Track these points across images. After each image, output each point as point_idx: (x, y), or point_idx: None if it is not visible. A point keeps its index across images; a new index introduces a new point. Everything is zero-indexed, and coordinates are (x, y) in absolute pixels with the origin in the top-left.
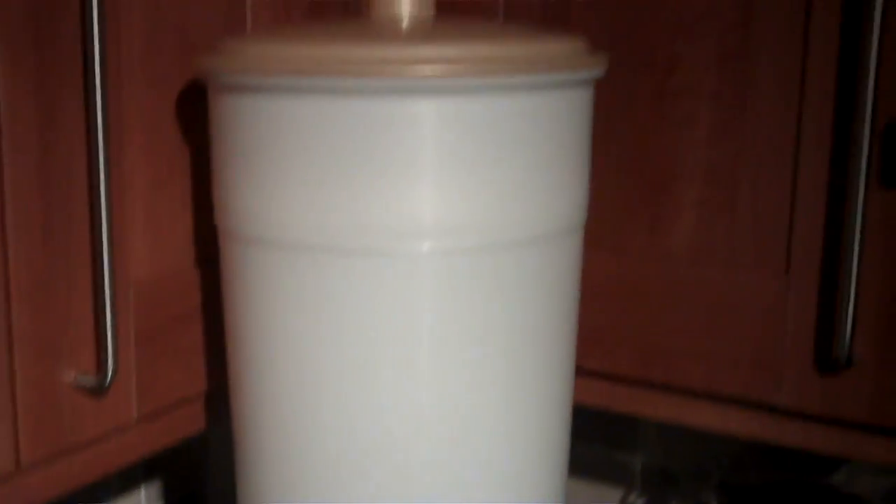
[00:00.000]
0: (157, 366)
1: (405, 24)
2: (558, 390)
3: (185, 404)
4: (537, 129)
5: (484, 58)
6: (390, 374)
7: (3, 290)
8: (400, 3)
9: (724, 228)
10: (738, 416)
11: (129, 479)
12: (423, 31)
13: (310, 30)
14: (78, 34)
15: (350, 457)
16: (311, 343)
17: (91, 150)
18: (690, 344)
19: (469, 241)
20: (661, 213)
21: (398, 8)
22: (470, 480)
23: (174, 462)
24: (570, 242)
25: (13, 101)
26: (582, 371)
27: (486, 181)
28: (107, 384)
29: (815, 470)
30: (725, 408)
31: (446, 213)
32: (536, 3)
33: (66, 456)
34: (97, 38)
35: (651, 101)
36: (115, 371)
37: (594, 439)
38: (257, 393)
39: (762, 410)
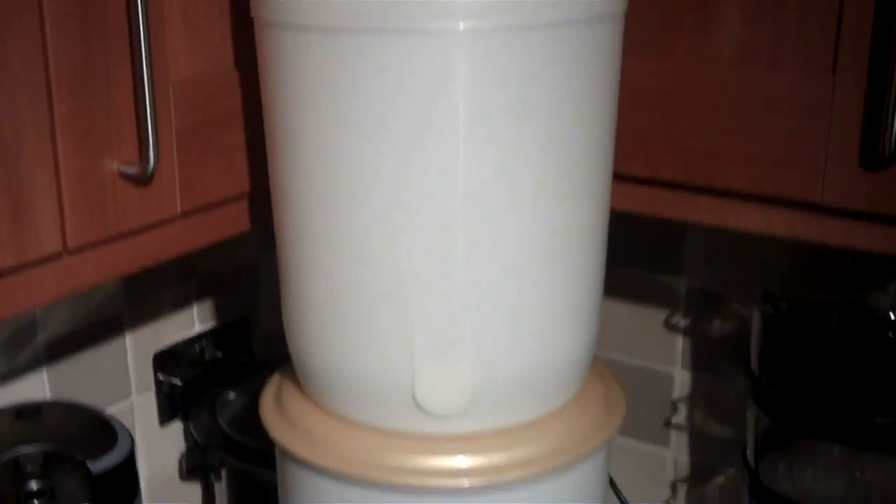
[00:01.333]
0: (200, 163)
1: None
2: (594, 185)
3: (228, 203)
4: None
5: None
6: (426, 155)
7: (44, 78)
8: None
9: (771, 28)
10: (782, 217)
11: (181, 298)
12: None
13: None
14: None
15: (391, 247)
16: (349, 127)
17: None
18: (734, 145)
19: (504, 19)
20: (705, 14)
21: None
22: (499, 266)
23: (226, 284)
24: (609, 30)
25: None
26: (625, 177)
27: None
28: (149, 174)
29: (861, 290)
30: (768, 209)
31: None
32: None
33: (112, 242)
34: None
35: None
36: (156, 161)
37: (640, 263)
38: (296, 187)
39: (805, 210)
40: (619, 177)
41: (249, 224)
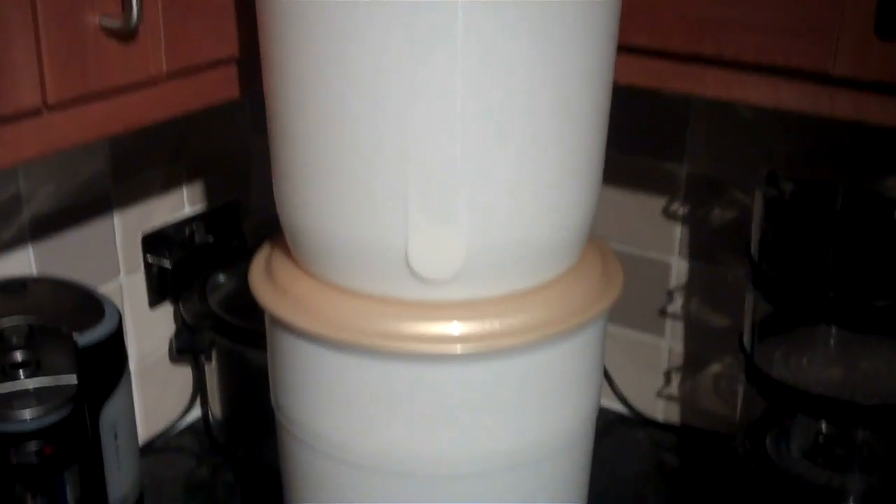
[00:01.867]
0: (186, 21)
1: None
2: (597, 53)
3: (216, 66)
4: None
5: None
6: (426, 18)
7: None
8: None
9: None
10: (791, 89)
11: (171, 179)
12: None
13: None
14: None
15: (387, 108)
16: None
17: None
18: (744, 13)
19: None
20: None
21: None
22: (497, 130)
23: (217, 167)
24: None
25: None
26: (632, 49)
27: None
28: (131, 27)
29: (868, 173)
30: (778, 81)
31: None
32: None
33: (95, 100)
34: None
35: None
36: (139, 15)
37: (640, 149)
38: (288, 48)
39: (816, 82)
40: (625, 48)
41: (238, 91)
